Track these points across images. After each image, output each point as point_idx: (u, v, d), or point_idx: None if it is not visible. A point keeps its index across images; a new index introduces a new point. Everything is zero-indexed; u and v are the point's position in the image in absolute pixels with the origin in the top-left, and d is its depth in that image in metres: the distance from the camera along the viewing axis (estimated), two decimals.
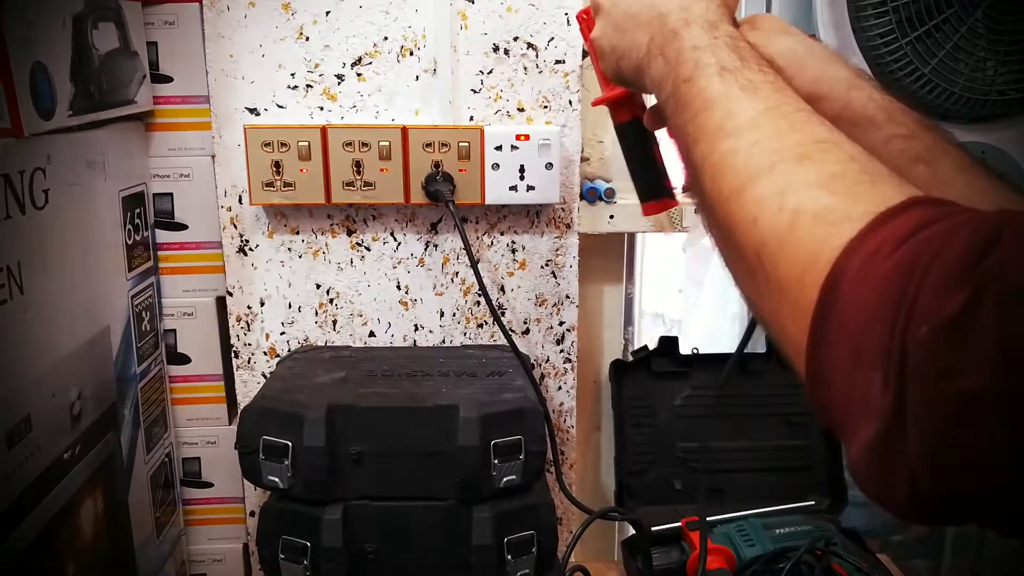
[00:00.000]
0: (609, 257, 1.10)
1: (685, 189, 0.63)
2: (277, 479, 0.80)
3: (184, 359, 1.03)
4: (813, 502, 1.08)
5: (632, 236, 1.12)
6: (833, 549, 0.95)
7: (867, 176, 0.34)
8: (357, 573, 0.81)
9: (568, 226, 1.00)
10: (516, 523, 0.82)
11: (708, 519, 1.00)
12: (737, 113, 0.41)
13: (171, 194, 0.98)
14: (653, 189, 0.71)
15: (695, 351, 1.12)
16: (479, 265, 0.95)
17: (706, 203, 0.42)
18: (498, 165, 0.93)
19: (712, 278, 1.28)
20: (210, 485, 1.07)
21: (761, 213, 0.36)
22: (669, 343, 1.12)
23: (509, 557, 0.82)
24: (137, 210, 0.94)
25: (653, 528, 0.98)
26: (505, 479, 0.81)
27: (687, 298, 1.41)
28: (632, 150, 0.70)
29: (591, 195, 0.99)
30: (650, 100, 0.64)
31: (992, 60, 0.96)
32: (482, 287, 0.94)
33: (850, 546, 1.00)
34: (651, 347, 1.12)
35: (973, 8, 0.94)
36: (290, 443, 0.79)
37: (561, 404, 1.06)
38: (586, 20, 0.67)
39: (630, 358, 1.12)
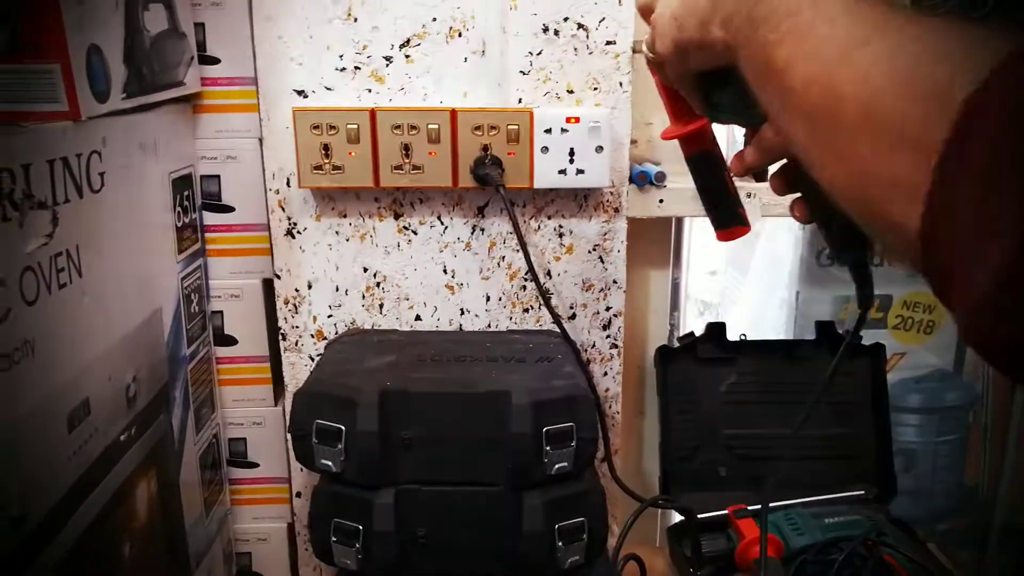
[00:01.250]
0: (656, 241, 1.09)
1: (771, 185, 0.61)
2: (330, 463, 0.80)
3: (231, 340, 1.03)
4: (862, 491, 1.07)
5: (680, 221, 1.11)
6: (884, 540, 0.94)
7: (978, 26, 0.33)
8: (408, 557, 0.82)
9: (617, 210, 0.99)
10: (567, 510, 0.82)
11: (754, 507, 1.00)
12: (825, 7, 0.41)
13: (218, 176, 0.98)
14: (729, 217, 0.69)
15: (743, 337, 1.11)
16: (527, 248, 0.94)
17: (794, 91, 0.41)
18: (547, 148, 0.92)
19: (758, 263, 1.26)
20: (256, 465, 1.08)
21: (876, 68, 0.35)
22: (716, 329, 1.11)
23: (560, 544, 0.81)
24: (186, 192, 0.94)
25: (700, 516, 0.97)
26: (557, 466, 0.81)
27: (729, 281, 1.39)
28: (705, 181, 0.69)
29: (640, 179, 0.98)
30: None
31: None
32: (531, 271, 0.94)
33: (901, 537, 0.99)
34: (697, 333, 1.11)
35: None
36: (343, 427, 0.79)
37: (607, 390, 1.05)
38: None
39: (676, 344, 1.11)
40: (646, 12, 0.61)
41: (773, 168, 0.59)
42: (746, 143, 0.60)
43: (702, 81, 0.57)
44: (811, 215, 0.58)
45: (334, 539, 0.82)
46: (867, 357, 1.12)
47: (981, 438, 1.25)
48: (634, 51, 0.94)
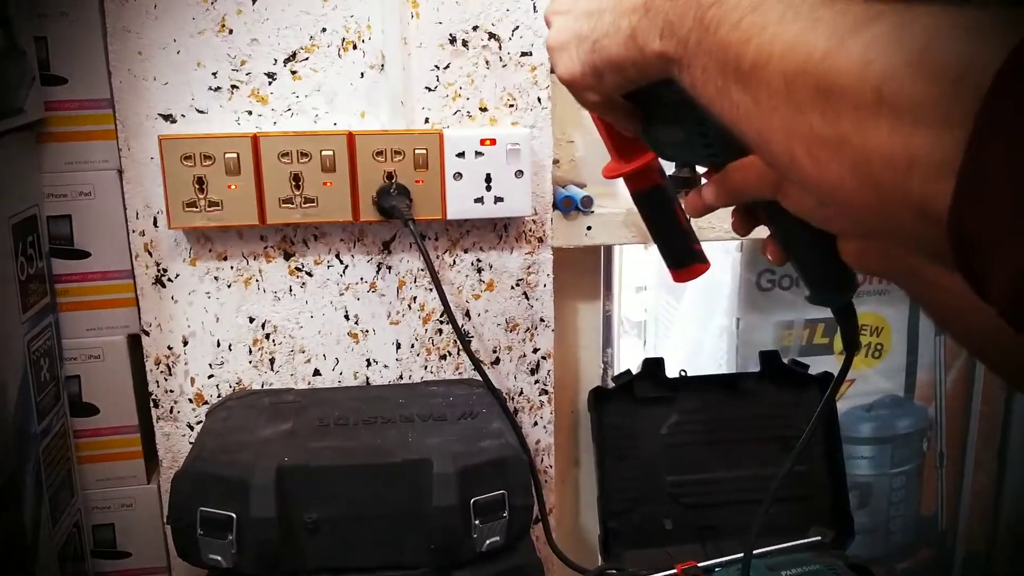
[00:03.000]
0: (585, 272, 1.08)
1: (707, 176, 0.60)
2: (220, 557, 0.75)
3: (92, 410, 0.97)
4: (819, 536, 1.08)
5: (609, 249, 1.10)
6: None
7: (975, 8, 0.34)
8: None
9: (541, 240, 0.97)
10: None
11: (705, 563, 1.00)
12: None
13: (69, 216, 0.92)
14: (683, 255, 0.69)
15: (683, 373, 1.11)
16: (442, 287, 0.92)
17: (770, 95, 0.41)
18: (460, 174, 0.90)
19: (693, 288, 1.27)
20: (127, 555, 1.01)
21: (881, 50, 0.36)
22: (653, 365, 1.11)
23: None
24: (30, 238, 0.87)
25: None
26: (488, 541, 0.78)
27: (662, 305, 1.40)
28: (656, 219, 0.68)
29: (566, 204, 0.97)
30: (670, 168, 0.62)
31: None
32: (448, 311, 0.91)
33: None
34: (634, 371, 1.10)
35: None
36: (234, 515, 0.75)
37: (538, 442, 1.03)
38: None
39: (611, 384, 1.11)
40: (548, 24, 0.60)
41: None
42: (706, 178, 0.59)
43: (633, 106, 0.56)
44: (786, 255, 0.57)
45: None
46: (815, 386, 1.14)
47: (936, 465, 1.29)
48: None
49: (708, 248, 1.21)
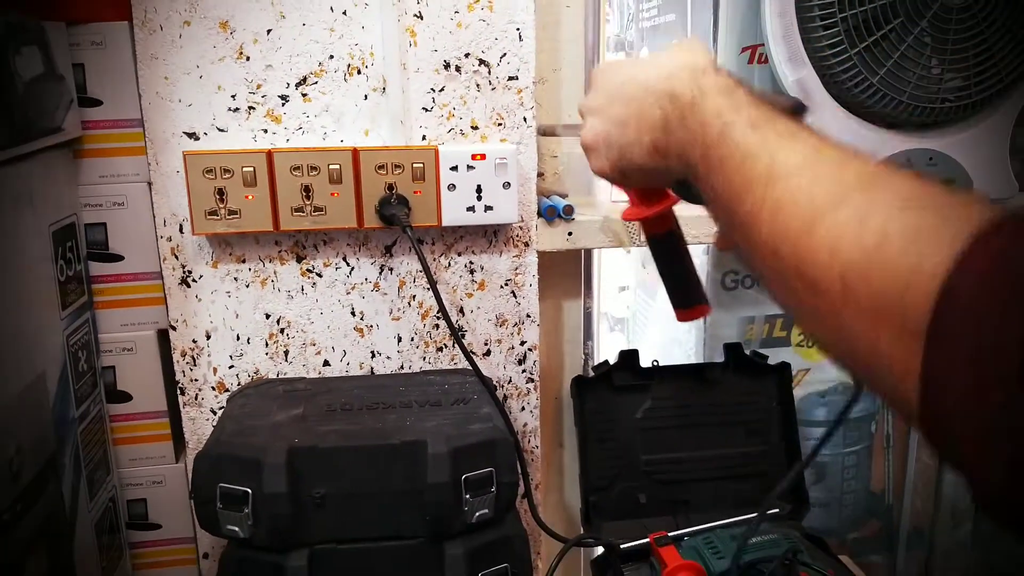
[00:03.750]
0: (567, 273, 1.09)
1: (720, 246, 0.60)
2: (237, 528, 0.76)
3: (125, 397, 0.98)
4: (777, 508, 1.09)
5: (589, 252, 1.11)
6: (800, 558, 0.96)
7: (943, 194, 0.34)
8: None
9: (527, 245, 0.98)
10: (490, 558, 0.80)
11: (675, 533, 1.01)
12: (784, 157, 0.41)
13: (104, 224, 0.93)
14: (689, 298, 0.69)
15: (655, 363, 1.12)
16: (437, 287, 0.93)
17: (762, 249, 0.40)
18: (454, 186, 0.91)
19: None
20: (158, 527, 1.02)
21: (843, 241, 0.35)
22: (629, 356, 1.12)
23: (467, 496, 0.79)
24: (69, 243, 0.88)
25: (622, 546, 0.97)
26: (477, 514, 0.79)
27: (639, 303, 1.41)
28: (666, 262, 0.68)
29: (550, 213, 0.97)
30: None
31: (938, 69, 0.98)
32: (442, 309, 0.92)
33: (816, 552, 1.01)
34: (611, 361, 1.11)
35: (919, 18, 0.95)
36: (249, 490, 0.76)
37: (525, 425, 1.04)
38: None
39: (591, 373, 1.12)
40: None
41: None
42: None
43: None
44: None
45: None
46: (774, 375, 1.15)
47: (884, 447, 1.30)
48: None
49: None
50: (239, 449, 0.78)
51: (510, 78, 0.93)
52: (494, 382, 1.01)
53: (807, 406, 1.24)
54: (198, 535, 1.01)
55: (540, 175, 1.01)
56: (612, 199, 1.03)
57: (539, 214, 0.98)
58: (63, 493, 0.84)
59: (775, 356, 1.17)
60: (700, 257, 1.18)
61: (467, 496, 0.79)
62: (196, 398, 0.96)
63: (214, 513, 0.77)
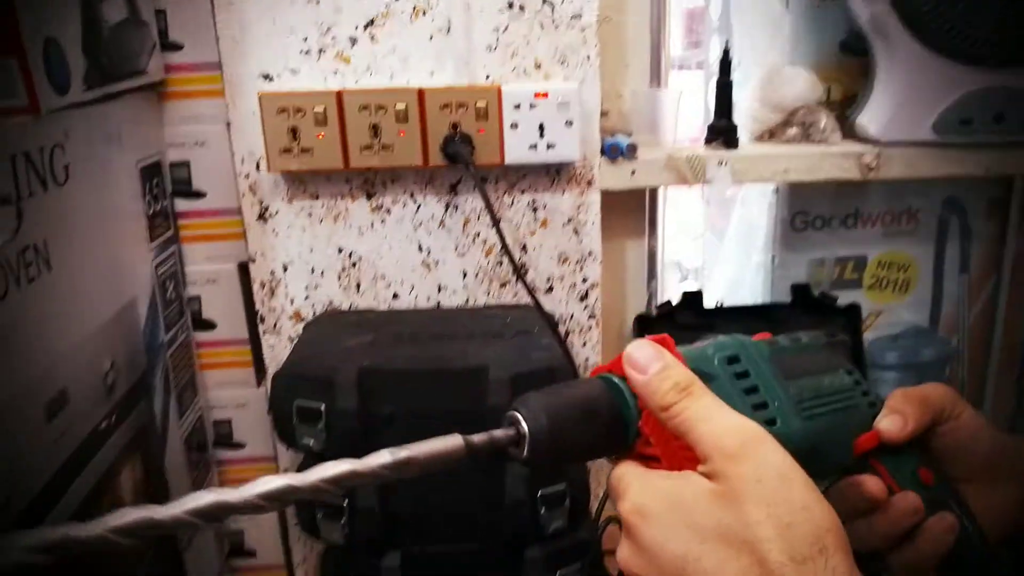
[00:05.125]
0: (631, 212, 1.09)
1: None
2: (312, 441, 0.82)
3: (210, 325, 1.04)
4: None
5: (654, 190, 1.11)
6: None
7: None
8: (393, 531, 0.84)
9: (589, 183, 0.99)
10: (548, 478, 0.83)
11: None
12: None
13: (187, 163, 0.99)
14: None
15: (719, 304, 1.12)
16: (500, 225, 0.95)
17: None
18: (517, 124, 0.92)
19: (734, 228, 1.27)
20: (242, 446, 1.09)
21: None
22: (693, 297, 1.12)
23: (543, 511, 0.83)
24: (155, 180, 0.94)
25: None
26: None
27: (706, 247, 1.40)
28: None
29: (612, 151, 0.98)
30: None
31: None
32: (504, 247, 0.94)
33: None
34: (674, 301, 1.12)
35: None
36: (323, 407, 0.81)
37: (587, 360, 1.06)
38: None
39: (654, 312, 1.13)
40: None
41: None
42: None
43: None
44: None
45: (320, 515, 0.84)
46: (842, 317, 1.14)
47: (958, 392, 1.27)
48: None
49: (747, 191, 1.21)
50: (313, 369, 0.83)
51: (573, 16, 0.93)
52: (556, 318, 1.03)
53: (878, 350, 1.22)
54: (278, 454, 1.07)
55: (604, 114, 1.02)
56: (677, 137, 1.03)
57: (602, 153, 0.99)
58: (154, 410, 0.91)
59: (845, 298, 1.15)
60: (769, 196, 1.17)
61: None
62: (275, 327, 1.02)
63: (291, 428, 0.82)
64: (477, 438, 0.39)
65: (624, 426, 0.40)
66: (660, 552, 0.36)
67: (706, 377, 0.41)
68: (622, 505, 0.39)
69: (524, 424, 0.39)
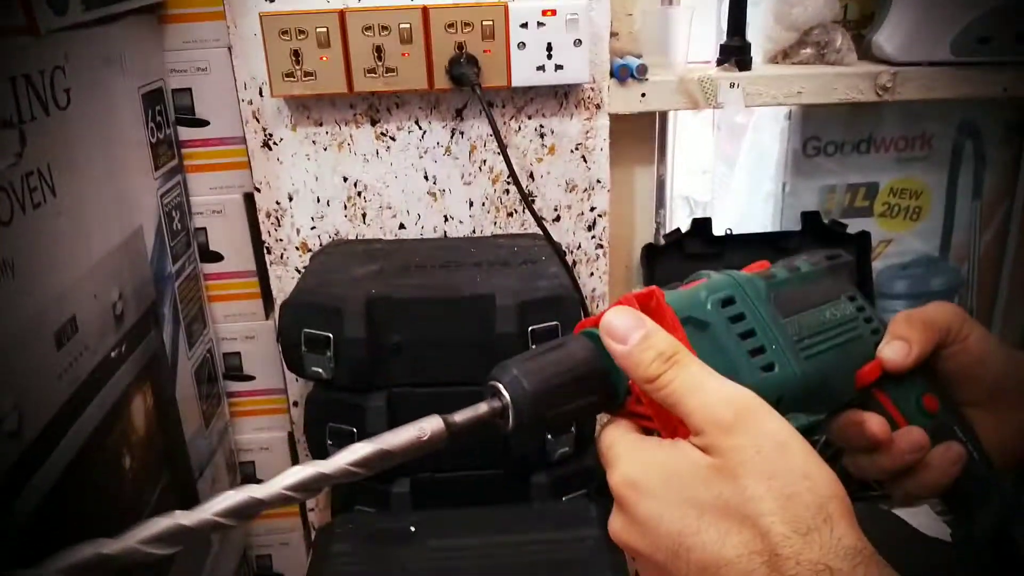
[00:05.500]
0: (640, 138, 1.07)
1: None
2: (320, 370, 0.82)
3: (217, 257, 1.04)
4: None
5: (664, 116, 1.09)
6: None
7: None
8: None
9: (598, 107, 0.97)
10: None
11: None
12: None
13: (190, 89, 0.97)
14: None
15: (728, 232, 1.11)
16: (507, 151, 0.93)
17: None
18: (524, 44, 0.90)
19: (744, 156, 1.25)
20: (252, 378, 1.10)
21: None
22: (701, 224, 1.11)
23: (550, 438, 0.84)
24: (157, 107, 0.93)
25: None
26: None
27: (717, 178, 1.38)
28: None
29: (622, 73, 0.96)
30: None
31: None
32: (512, 174, 0.93)
33: None
34: (683, 229, 1.11)
35: None
36: (331, 335, 0.81)
37: (594, 290, 1.06)
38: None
39: (662, 242, 1.12)
40: None
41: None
42: None
43: None
44: None
45: (330, 443, 0.84)
46: (852, 245, 1.13)
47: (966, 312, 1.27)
48: None
49: (759, 118, 1.19)
50: (321, 298, 0.83)
51: None
52: (563, 247, 1.02)
53: (887, 278, 1.21)
54: (288, 385, 1.08)
55: (613, 35, 0.99)
56: (688, 59, 1.01)
57: (611, 75, 0.97)
58: (164, 340, 0.91)
59: (856, 226, 1.14)
60: (781, 122, 1.14)
61: (533, 346, 0.81)
62: (282, 257, 1.01)
63: (299, 356, 0.83)
64: (459, 416, 0.37)
65: (612, 385, 0.38)
66: (656, 527, 0.34)
67: (699, 325, 0.39)
68: (612, 476, 0.37)
69: (506, 394, 0.37)
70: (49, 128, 0.68)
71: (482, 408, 0.37)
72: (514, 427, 0.37)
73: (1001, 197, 1.20)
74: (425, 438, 0.36)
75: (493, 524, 0.82)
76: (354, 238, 1.01)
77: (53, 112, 0.69)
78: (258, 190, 0.99)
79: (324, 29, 0.88)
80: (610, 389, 0.38)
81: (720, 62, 1.00)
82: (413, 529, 0.81)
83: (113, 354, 0.78)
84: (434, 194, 1.00)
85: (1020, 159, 1.17)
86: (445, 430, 0.36)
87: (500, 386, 0.37)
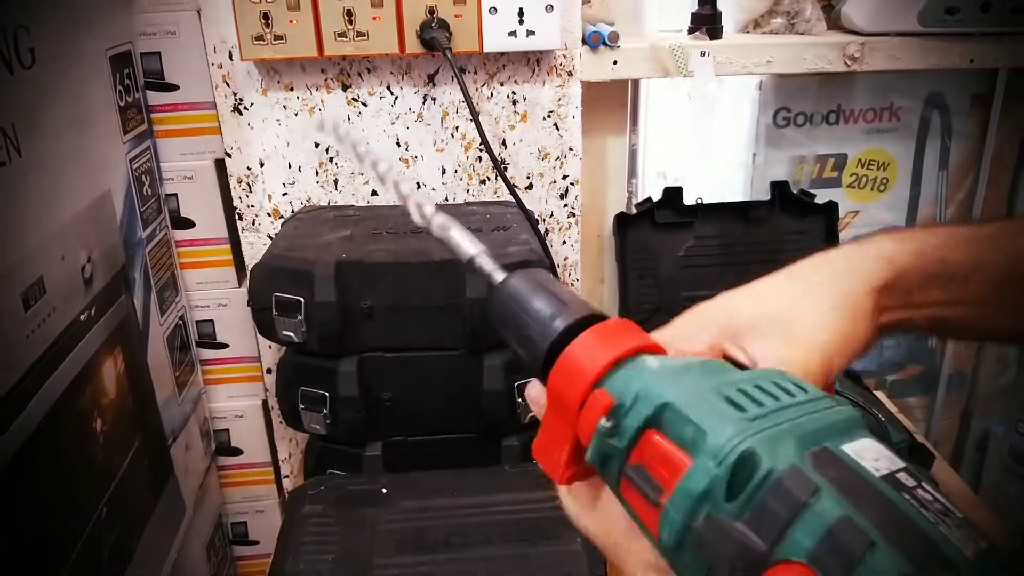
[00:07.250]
0: (612, 107, 1.08)
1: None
2: (292, 333, 0.82)
3: (189, 223, 1.03)
4: None
5: (636, 85, 1.09)
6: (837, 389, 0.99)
7: None
8: (375, 419, 0.85)
9: (570, 74, 0.97)
10: (524, 370, 0.84)
11: None
12: None
13: (159, 53, 0.95)
14: None
15: (699, 201, 1.12)
16: (479, 118, 0.93)
17: None
18: (496, 9, 0.90)
19: (715, 127, 1.25)
20: (225, 346, 1.10)
21: None
22: (672, 194, 1.12)
23: (520, 400, 0.85)
24: (126, 71, 0.91)
25: None
26: None
27: (689, 147, 1.39)
28: None
29: (594, 40, 0.96)
30: None
31: None
32: (484, 141, 0.93)
33: (848, 384, 1.04)
34: (655, 199, 1.11)
35: None
36: (302, 299, 0.81)
37: (566, 258, 1.07)
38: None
39: (634, 210, 1.12)
40: None
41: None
42: None
43: None
44: None
45: (302, 406, 0.85)
46: (821, 216, 1.14)
47: None
48: None
49: (730, 89, 1.19)
50: (292, 262, 0.83)
51: None
52: (536, 215, 1.02)
53: None
54: (262, 353, 1.08)
55: (586, 2, 0.99)
56: (660, 28, 1.01)
57: (583, 42, 0.96)
58: (135, 305, 0.91)
59: (824, 196, 1.15)
60: (752, 92, 1.15)
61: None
62: (253, 223, 1.01)
63: (270, 320, 0.82)
64: (486, 263, 0.39)
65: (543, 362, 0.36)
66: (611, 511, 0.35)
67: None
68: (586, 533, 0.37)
69: (502, 278, 0.38)
70: (13, 88, 0.67)
71: (488, 267, 0.39)
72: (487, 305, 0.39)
73: (967, 168, 1.21)
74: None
75: (464, 486, 0.83)
76: (326, 204, 1.01)
77: (17, 70, 0.68)
78: (229, 155, 0.98)
79: None
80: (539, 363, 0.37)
81: (691, 30, 1.01)
82: (384, 491, 0.82)
83: (82, 317, 0.78)
84: (406, 160, 1.00)
85: (986, 131, 1.19)
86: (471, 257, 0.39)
87: (509, 277, 0.38)
